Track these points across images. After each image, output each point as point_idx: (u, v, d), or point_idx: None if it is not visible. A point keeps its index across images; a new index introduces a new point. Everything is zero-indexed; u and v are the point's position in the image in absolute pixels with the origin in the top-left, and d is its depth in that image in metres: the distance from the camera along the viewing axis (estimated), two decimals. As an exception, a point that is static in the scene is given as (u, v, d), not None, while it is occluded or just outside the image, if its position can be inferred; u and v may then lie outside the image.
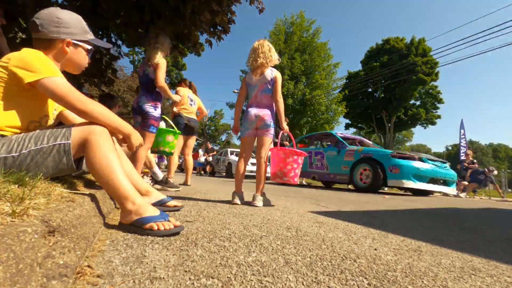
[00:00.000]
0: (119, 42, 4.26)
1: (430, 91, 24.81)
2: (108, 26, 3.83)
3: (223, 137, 45.13)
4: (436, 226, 1.76)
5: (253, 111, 2.25)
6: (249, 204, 2.17)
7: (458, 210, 2.95)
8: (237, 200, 2.19)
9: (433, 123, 25.80)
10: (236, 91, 19.78)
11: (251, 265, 0.78)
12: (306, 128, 17.07)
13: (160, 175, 3.10)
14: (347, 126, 30.73)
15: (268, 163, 2.71)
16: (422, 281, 0.75)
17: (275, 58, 2.31)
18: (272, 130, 2.26)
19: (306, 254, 0.94)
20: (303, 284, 0.68)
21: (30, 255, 0.51)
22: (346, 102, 18.36)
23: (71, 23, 1.20)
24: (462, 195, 7.46)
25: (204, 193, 2.95)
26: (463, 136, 12.75)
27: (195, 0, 3.11)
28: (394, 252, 1.04)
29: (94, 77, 4.51)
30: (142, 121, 2.57)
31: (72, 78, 4.48)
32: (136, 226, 1.03)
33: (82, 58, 1.28)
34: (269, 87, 2.25)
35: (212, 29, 3.76)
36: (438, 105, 25.33)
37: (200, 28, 3.64)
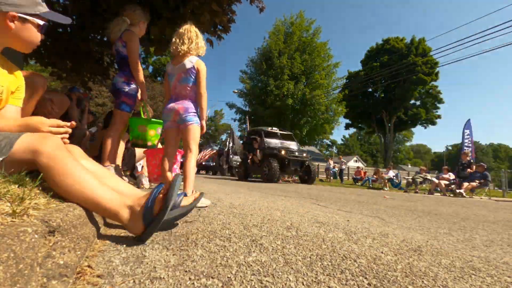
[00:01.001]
0: None
1: (430, 91, 24.81)
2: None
3: (223, 137, 45.14)
4: (436, 226, 1.76)
5: (170, 104, 2.02)
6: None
7: (458, 210, 2.95)
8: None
9: (433, 123, 25.81)
10: (236, 91, 19.79)
11: (251, 265, 0.78)
12: (306, 128, 17.07)
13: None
14: (347, 126, 30.75)
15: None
16: (422, 281, 0.75)
17: (201, 46, 2.08)
18: (192, 124, 1.97)
19: (306, 254, 0.94)
20: (303, 284, 0.68)
21: (30, 255, 0.51)
22: (346, 102, 18.35)
23: None
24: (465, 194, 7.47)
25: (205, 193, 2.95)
26: (468, 136, 12.55)
27: (195, 0, 3.11)
28: (394, 252, 1.04)
29: (97, 75, 4.54)
30: (115, 100, 2.37)
31: (76, 75, 4.51)
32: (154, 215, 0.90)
33: (32, 36, 1.05)
34: (188, 76, 1.99)
35: (212, 28, 3.76)
36: (438, 105, 25.36)
37: (200, 29, 3.65)
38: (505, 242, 1.40)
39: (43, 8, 1.05)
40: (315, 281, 0.70)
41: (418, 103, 25.57)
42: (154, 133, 2.54)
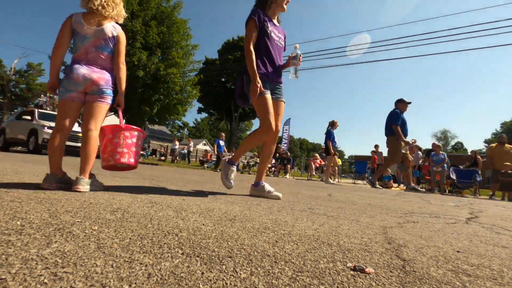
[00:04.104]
0: None
1: (269, 91, 30.23)
2: None
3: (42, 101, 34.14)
4: (252, 199, 2.19)
5: (82, 70, 1.80)
6: (71, 189, 1.74)
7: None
8: (49, 185, 1.70)
9: (267, 118, 31.79)
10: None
11: (46, 258, 0.65)
12: (157, 106, 16.03)
13: None
14: (199, 110, 31.80)
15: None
16: (228, 243, 0.92)
17: (122, 13, 2.00)
18: (109, 99, 1.91)
19: (126, 235, 0.89)
20: (112, 266, 0.64)
21: None
22: (200, 87, 18.78)
23: None
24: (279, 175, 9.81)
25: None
26: (286, 131, 16.51)
27: None
28: (214, 223, 1.20)
29: None
30: None
31: None
32: None
33: None
34: (109, 44, 1.89)
35: None
36: (271, 103, 31.39)
37: None
38: (290, 207, 1.97)
39: None
40: (127, 261, 0.68)
41: (258, 99, 30.70)
42: None
